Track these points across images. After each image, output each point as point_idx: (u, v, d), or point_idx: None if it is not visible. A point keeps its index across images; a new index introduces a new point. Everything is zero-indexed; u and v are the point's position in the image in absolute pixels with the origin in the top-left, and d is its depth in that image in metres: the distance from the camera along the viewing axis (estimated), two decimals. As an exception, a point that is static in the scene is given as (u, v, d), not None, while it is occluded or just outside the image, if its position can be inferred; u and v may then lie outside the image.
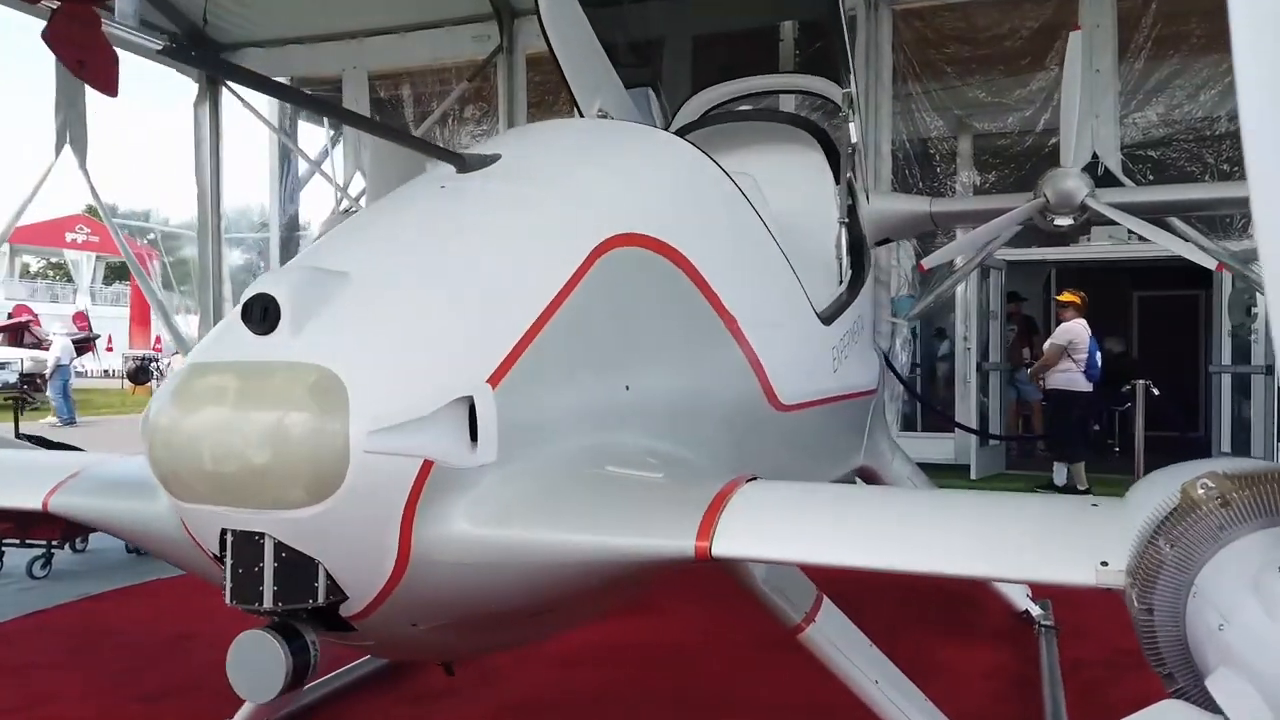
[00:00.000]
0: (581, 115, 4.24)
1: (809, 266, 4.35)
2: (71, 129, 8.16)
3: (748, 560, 1.63)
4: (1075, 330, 8.17)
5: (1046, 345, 8.63)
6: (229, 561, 1.66)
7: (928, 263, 6.49)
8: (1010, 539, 1.56)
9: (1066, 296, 8.42)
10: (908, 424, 10.07)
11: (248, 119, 9.83)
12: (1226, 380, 9.62)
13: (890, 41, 8.21)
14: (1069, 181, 5.43)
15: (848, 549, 1.62)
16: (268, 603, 1.64)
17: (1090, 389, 8.24)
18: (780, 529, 1.68)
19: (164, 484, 1.70)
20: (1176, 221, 7.45)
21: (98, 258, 36.17)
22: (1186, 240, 7.63)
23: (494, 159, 2.30)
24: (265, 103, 10.31)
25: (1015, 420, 11.60)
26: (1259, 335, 9.19)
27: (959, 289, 10.48)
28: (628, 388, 2.07)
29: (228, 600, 1.67)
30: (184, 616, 4.56)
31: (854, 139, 4.44)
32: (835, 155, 4.50)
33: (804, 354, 3.13)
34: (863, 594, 2.69)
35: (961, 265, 8.29)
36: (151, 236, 31.94)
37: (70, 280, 38.23)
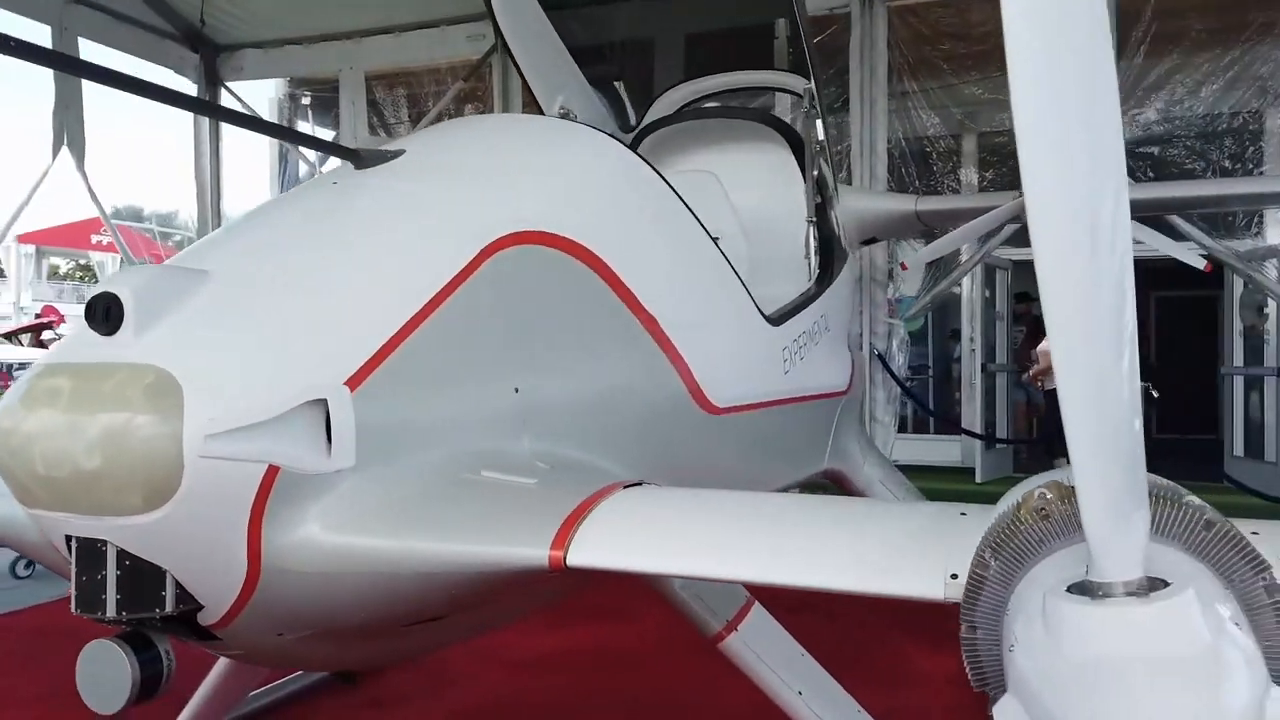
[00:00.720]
0: (543, 114, 4.19)
1: (771, 265, 4.28)
2: (69, 130, 8.20)
3: (603, 570, 1.56)
4: None
5: (1040, 348, 8.49)
6: (73, 569, 1.61)
7: (910, 262, 6.38)
8: (868, 549, 1.48)
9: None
10: (918, 426, 9.93)
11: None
12: (1239, 382, 9.38)
13: (885, 39, 8.07)
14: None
15: (702, 560, 1.55)
16: (110, 612, 1.59)
17: None
18: (640, 539, 1.60)
19: (10, 489, 1.65)
20: (1179, 220, 7.29)
21: (123, 260, 36.56)
22: (1187, 239, 7.48)
23: (396, 155, 2.24)
24: (265, 103, 10.34)
25: (1026, 422, 11.41)
26: (1271, 336, 8.96)
27: (965, 289, 10.34)
28: (516, 390, 2.01)
29: (73, 609, 1.63)
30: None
31: (820, 136, 4.35)
32: (804, 153, 4.41)
33: (743, 355, 3.05)
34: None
35: (963, 263, 8.17)
36: (178, 238, 32.26)
37: (97, 281, 38.70)
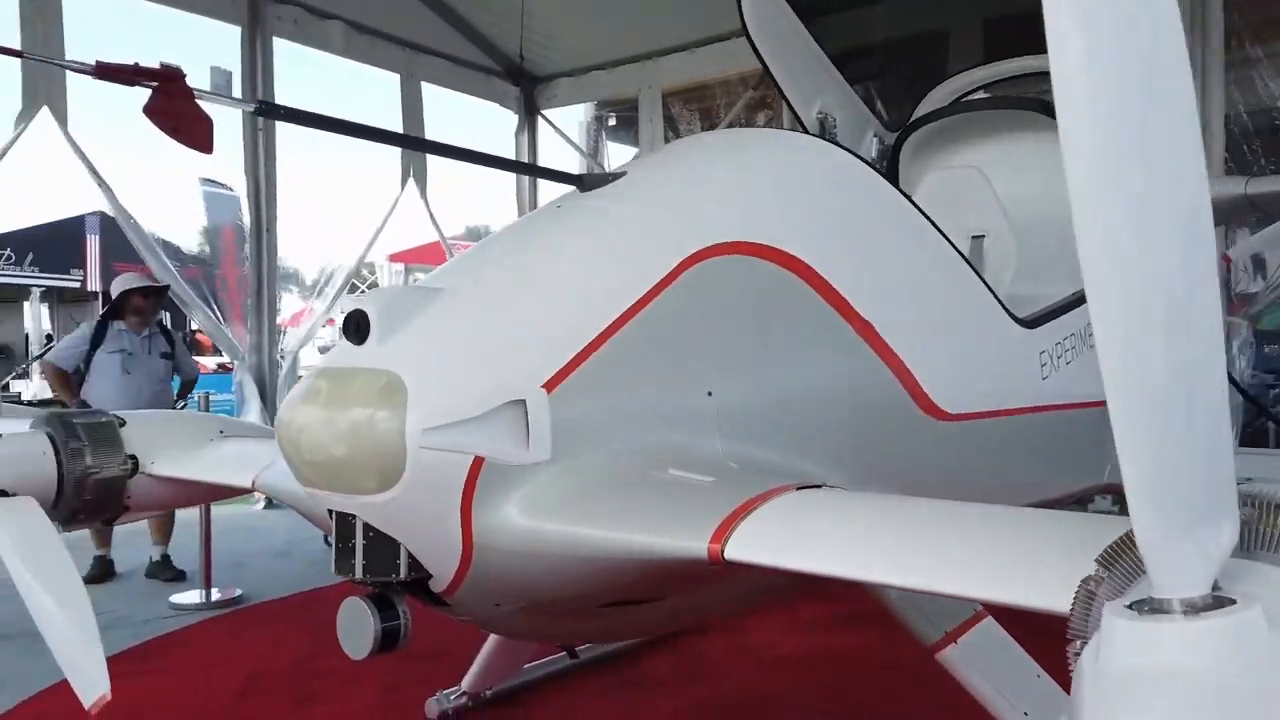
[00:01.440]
0: (801, 122, 4.24)
1: (1046, 262, 4.01)
2: (414, 165, 9.49)
3: (755, 564, 1.62)
4: None
5: None
6: (333, 537, 1.96)
7: (1233, 254, 5.59)
8: (1006, 557, 1.43)
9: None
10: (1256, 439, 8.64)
11: (560, 144, 10.86)
12: None
13: (1221, 1, 7.14)
14: None
15: (838, 561, 1.57)
16: (358, 575, 1.92)
17: None
18: (794, 538, 1.65)
19: (291, 470, 2.04)
20: None
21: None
22: None
23: (616, 177, 2.44)
24: (575, 126, 11.23)
25: None
26: None
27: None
28: (710, 393, 2.12)
29: (333, 571, 1.98)
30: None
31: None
32: None
33: (984, 360, 2.91)
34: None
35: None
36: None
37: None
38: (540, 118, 10.85)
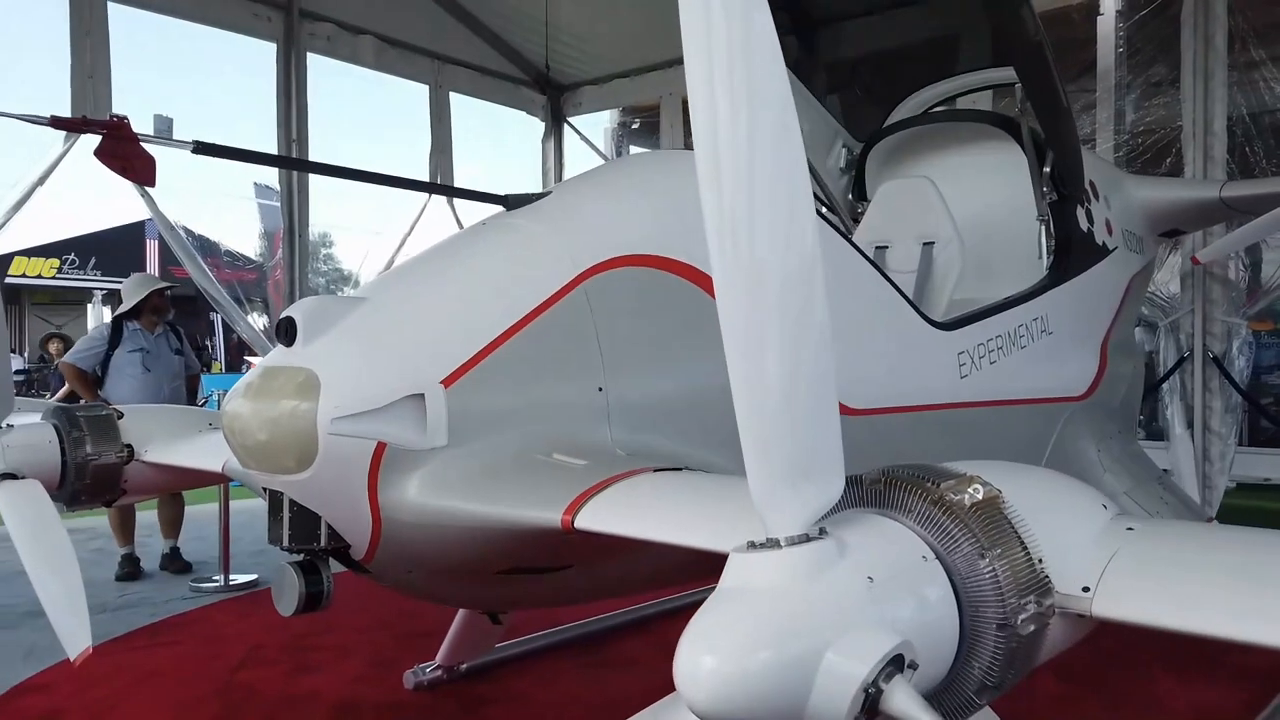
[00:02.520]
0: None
1: (991, 266, 4.20)
2: (441, 171, 9.91)
3: (601, 533, 1.89)
4: None
5: None
6: (267, 511, 2.28)
7: (1203, 256, 5.67)
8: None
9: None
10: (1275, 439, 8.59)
11: (586, 150, 11.20)
12: None
13: (1225, 3, 7.16)
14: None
15: (675, 530, 1.82)
16: (285, 543, 2.24)
17: None
18: (638, 511, 1.92)
19: (233, 454, 2.37)
20: None
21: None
22: None
23: (540, 197, 2.73)
24: (600, 133, 11.54)
25: None
26: None
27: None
28: (600, 389, 2.39)
29: (267, 540, 2.31)
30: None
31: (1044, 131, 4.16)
32: (1042, 151, 4.23)
33: (892, 359, 3.13)
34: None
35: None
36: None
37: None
38: (567, 124, 11.19)
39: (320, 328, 2.23)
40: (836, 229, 3.08)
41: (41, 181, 6.13)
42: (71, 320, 19.35)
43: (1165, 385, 7.14)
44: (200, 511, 7.07)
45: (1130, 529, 1.55)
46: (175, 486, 4.12)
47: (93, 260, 18.21)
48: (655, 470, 2.11)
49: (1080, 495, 1.67)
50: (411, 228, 9.84)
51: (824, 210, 3.11)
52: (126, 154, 2.17)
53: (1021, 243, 4.23)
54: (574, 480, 2.07)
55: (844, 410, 2.89)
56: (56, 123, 2.15)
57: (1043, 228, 4.14)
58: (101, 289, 18.58)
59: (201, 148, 2.37)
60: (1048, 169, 4.13)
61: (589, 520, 1.91)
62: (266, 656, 4.56)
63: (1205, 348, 7.15)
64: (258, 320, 8.56)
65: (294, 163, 8.18)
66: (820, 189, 4.81)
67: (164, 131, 8.23)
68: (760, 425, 1.32)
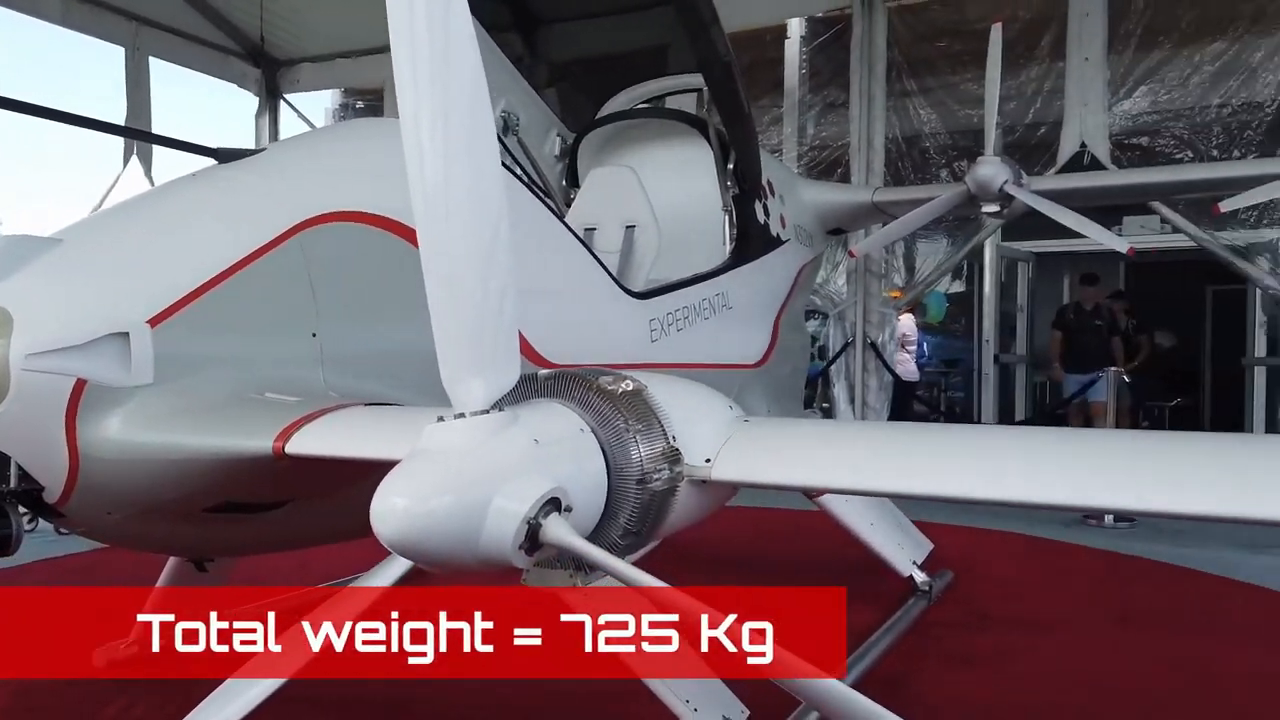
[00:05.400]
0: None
1: (682, 249, 4.71)
2: (139, 145, 9.20)
3: (315, 457, 2.04)
4: (905, 325, 8.65)
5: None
6: None
7: (858, 249, 6.66)
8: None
9: (894, 294, 8.60)
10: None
11: (304, 129, 10.78)
12: (1261, 373, 9.27)
13: (885, 37, 8.35)
14: (985, 169, 5.56)
15: (394, 448, 2.02)
16: None
17: (917, 377, 9.01)
18: (342, 435, 2.10)
19: None
20: (1163, 209, 7.35)
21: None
22: (1169, 224, 7.49)
23: (254, 153, 2.80)
24: (321, 114, 11.22)
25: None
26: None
27: (988, 283, 10.44)
28: (314, 335, 2.53)
29: None
30: None
31: (731, 131, 4.72)
32: (727, 150, 4.78)
33: (589, 322, 3.49)
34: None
35: (944, 258, 8.38)
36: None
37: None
38: (284, 101, 10.78)
39: (14, 265, 2.20)
40: (548, 207, 3.39)
41: None
42: None
43: (833, 367, 8.23)
44: None
45: (747, 421, 1.98)
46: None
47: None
48: (367, 405, 2.29)
49: (712, 397, 2.08)
50: (102, 201, 9.10)
51: (537, 191, 3.39)
52: None
53: (709, 229, 4.78)
54: (286, 413, 2.20)
55: (545, 363, 3.25)
56: None
57: (727, 217, 4.72)
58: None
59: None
60: (731, 166, 4.71)
61: (301, 445, 2.07)
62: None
63: (865, 335, 8.32)
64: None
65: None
66: (537, 173, 5.13)
67: None
68: (448, 325, 1.59)
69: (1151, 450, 1.86)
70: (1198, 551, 5.86)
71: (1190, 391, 12.04)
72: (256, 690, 2.45)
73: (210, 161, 2.87)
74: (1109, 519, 6.68)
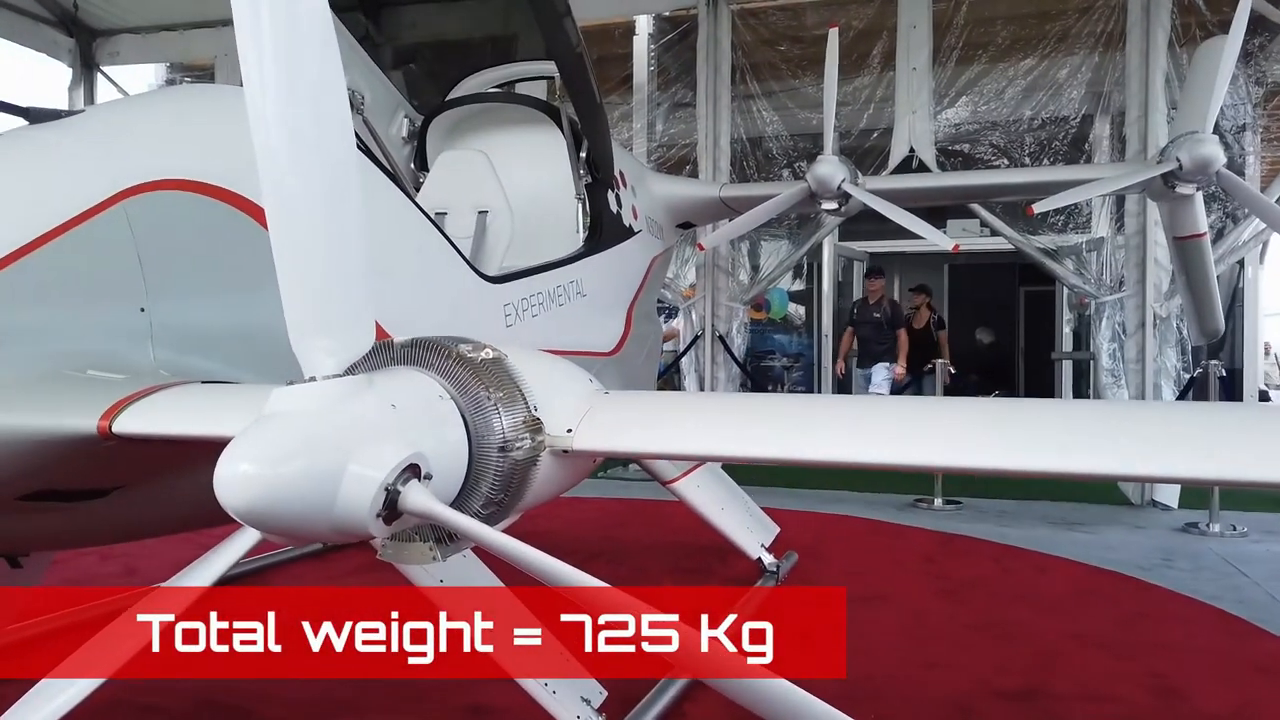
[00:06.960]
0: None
1: (535, 236, 4.68)
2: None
3: (145, 436, 1.91)
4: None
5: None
6: None
7: (705, 243, 6.85)
8: None
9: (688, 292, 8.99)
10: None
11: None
12: (1068, 366, 10.11)
13: (730, 39, 8.57)
14: (824, 168, 5.80)
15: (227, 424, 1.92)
16: None
17: None
18: (172, 413, 1.97)
19: None
20: (982, 212, 7.88)
21: None
22: (988, 228, 8.05)
23: (71, 114, 2.58)
24: (142, 85, 10.48)
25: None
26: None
27: (826, 281, 10.91)
28: (143, 310, 2.36)
29: None
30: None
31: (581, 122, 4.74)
32: (580, 139, 4.78)
33: (442, 303, 3.42)
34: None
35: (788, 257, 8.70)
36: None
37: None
38: (101, 74, 10.00)
39: None
40: (400, 187, 3.29)
41: None
42: None
43: (684, 359, 8.40)
44: None
45: (606, 394, 1.99)
46: None
47: None
48: (204, 383, 2.16)
49: (573, 370, 2.08)
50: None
51: (388, 171, 3.29)
52: None
53: (562, 216, 4.78)
54: (113, 391, 2.05)
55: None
56: None
57: (580, 205, 4.72)
58: None
59: None
60: (584, 154, 4.72)
61: (130, 423, 1.92)
62: None
63: (713, 328, 8.53)
64: None
65: None
66: (384, 154, 4.97)
67: None
68: (297, 284, 1.53)
69: (941, 414, 2.03)
70: (1015, 530, 6.35)
71: (1007, 383, 13.03)
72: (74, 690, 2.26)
73: (21, 122, 2.65)
74: (938, 501, 7.13)
